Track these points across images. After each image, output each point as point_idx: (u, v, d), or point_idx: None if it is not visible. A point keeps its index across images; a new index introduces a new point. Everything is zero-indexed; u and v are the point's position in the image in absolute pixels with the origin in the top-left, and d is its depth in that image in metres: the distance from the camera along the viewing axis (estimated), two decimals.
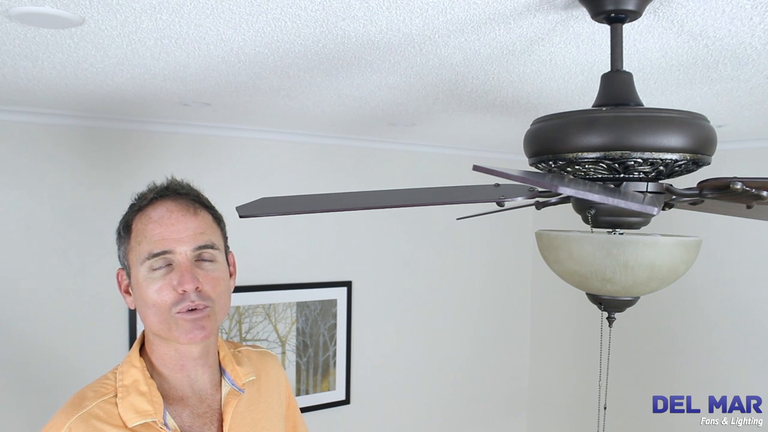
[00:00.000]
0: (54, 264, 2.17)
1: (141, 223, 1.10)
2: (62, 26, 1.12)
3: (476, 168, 0.69)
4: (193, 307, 1.06)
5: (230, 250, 1.22)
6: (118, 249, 1.14)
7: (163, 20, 1.10)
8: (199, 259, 1.09)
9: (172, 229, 1.07)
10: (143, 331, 1.16)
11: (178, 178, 1.18)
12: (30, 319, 2.14)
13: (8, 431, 2.10)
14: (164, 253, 1.06)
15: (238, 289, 2.49)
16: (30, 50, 1.31)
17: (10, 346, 2.11)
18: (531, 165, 1.05)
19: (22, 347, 2.13)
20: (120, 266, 1.15)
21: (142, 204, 1.12)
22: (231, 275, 1.19)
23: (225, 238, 1.20)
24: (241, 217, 1.10)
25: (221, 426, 1.13)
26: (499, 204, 1.09)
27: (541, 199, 1.16)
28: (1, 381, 2.10)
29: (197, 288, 1.06)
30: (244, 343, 1.34)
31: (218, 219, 1.18)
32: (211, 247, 1.11)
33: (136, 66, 1.44)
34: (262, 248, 2.58)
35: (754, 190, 0.78)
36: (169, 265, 1.07)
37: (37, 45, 1.27)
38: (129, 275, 1.12)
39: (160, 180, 1.16)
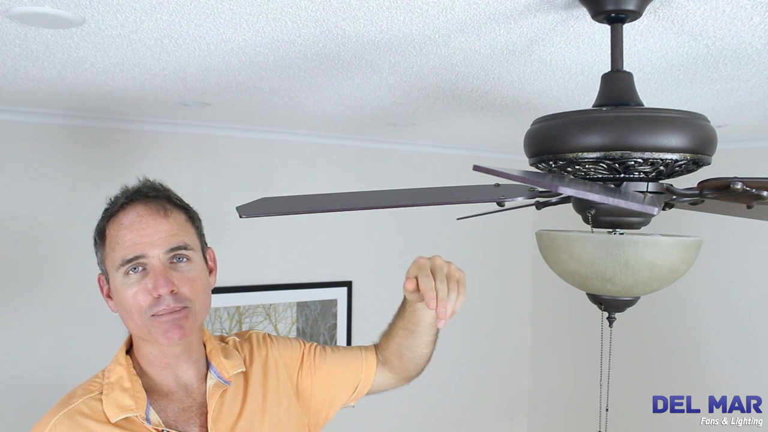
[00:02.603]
0: (53, 264, 2.17)
1: (113, 229, 1.10)
2: (62, 26, 1.12)
3: (476, 168, 0.69)
4: (170, 311, 1.07)
5: (209, 246, 1.21)
6: (96, 255, 1.15)
7: (164, 20, 1.10)
8: (174, 261, 1.09)
9: (144, 234, 1.08)
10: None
11: (151, 177, 1.17)
12: (29, 318, 2.14)
13: (8, 430, 2.10)
14: (137, 258, 1.07)
15: (238, 289, 2.49)
16: (30, 50, 1.31)
17: (10, 347, 2.11)
18: (531, 165, 1.05)
19: (22, 346, 2.13)
20: (99, 272, 1.16)
21: (113, 209, 1.12)
22: (211, 272, 1.19)
23: (201, 236, 1.19)
24: (241, 217, 1.10)
25: (206, 418, 1.13)
26: (499, 204, 1.09)
27: (541, 199, 1.16)
28: (1, 380, 2.09)
29: (172, 291, 1.07)
30: (230, 334, 1.33)
31: (192, 217, 1.17)
32: (185, 248, 1.10)
33: (136, 66, 1.44)
34: (262, 248, 2.58)
35: (754, 190, 0.78)
36: (144, 269, 1.07)
37: (37, 45, 1.26)
38: (108, 280, 1.13)
39: (158, 177, 1.17)
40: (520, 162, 3.33)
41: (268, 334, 1.35)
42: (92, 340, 2.23)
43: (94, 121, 2.20)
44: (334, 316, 2.77)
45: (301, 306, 2.67)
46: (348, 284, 2.80)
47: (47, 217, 2.16)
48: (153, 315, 1.06)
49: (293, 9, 1.04)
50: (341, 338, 2.78)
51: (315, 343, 1.38)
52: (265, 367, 1.28)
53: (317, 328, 2.72)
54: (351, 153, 2.80)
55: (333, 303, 2.76)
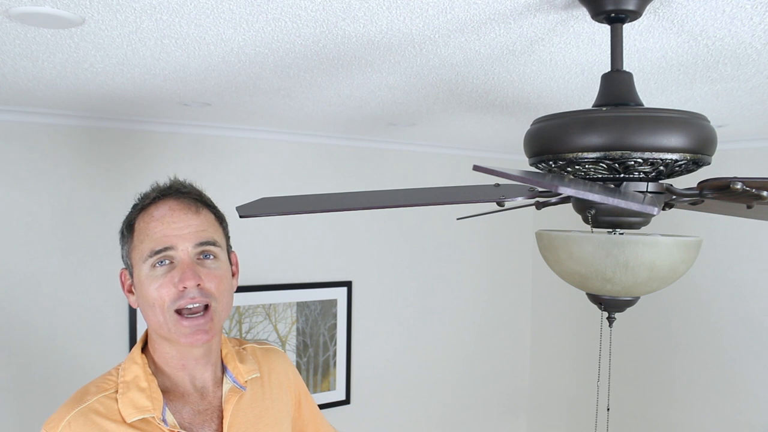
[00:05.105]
0: (54, 264, 2.17)
1: (143, 221, 1.10)
2: (62, 26, 1.12)
3: (476, 168, 0.69)
4: (193, 305, 1.06)
5: (233, 250, 1.22)
6: (121, 248, 1.15)
7: (163, 20, 1.10)
8: (201, 257, 1.10)
9: (174, 227, 1.08)
10: (147, 329, 1.17)
11: (181, 178, 1.18)
12: (30, 318, 2.14)
13: (9, 430, 2.10)
14: (166, 249, 1.07)
15: (238, 289, 2.49)
16: (30, 50, 1.31)
17: (11, 346, 2.11)
18: (531, 165, 1.05)
19: (23, 346, 2.13)
20: (123, 266, 1.16)
21: (144, 203, 1.13)
22: (234, 275, 1.20)
23: (227, 238, 1.20)
24: (241, 217, 1.10)
25: (222, 423, 1.13)
26: (499, 204, 1.09)
27: (541, 199, 1.16)
28: (1, 380, 2.10)
29: (198, 284, 1.06)
30: (249, 340, 1.34)
31: (220, 218, 1.19)
32: (213, 244, 1.11)
33: (136, 66, 1.44)
34: (262, 248, 2.58)
35: (754, 190, 0.78)
36: (171, 262, 1.07)
37: (37, 45, 1.27)
38: (132, 274, 1.12)
39: (161, 180, 1.17)
40: (520, 162, 3.33)
41: (286, 356, 1.38)
42: (92, 339, 2.23)
43: (93, 121, 2.20)
44: (334, 316, 2.77)
45: (301, 306, 2.67)
46: (348, 284, 2.80)
47: (47, 217, 2.16)
48: (176, 312, 1.06)
49: (293, 9, 1.04)
50: (341, 338, 2.78)
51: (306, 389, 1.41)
52: (286, 387, 1.30)
53: (317, 328, 2.72)
54: (351, 153, 2.80)
55: (333, 303, 2.76)
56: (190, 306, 1.07)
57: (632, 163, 0.91)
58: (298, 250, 2.68)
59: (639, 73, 1.44)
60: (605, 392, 2.96)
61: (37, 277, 2.15)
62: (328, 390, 2.76)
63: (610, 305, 1.02)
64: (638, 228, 1.03)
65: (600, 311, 1.06)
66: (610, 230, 1.02)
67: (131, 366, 1.11)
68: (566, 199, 1.13)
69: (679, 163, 0.92)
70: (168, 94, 1.77)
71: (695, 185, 0.93)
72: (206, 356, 1.15)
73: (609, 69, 1.03)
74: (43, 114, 2.10)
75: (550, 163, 0.98)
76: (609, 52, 1.29)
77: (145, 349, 1.16)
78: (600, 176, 0.96)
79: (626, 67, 1.38)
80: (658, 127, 0.89)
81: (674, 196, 0.97)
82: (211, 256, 1.11)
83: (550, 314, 3.37)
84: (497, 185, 1.09)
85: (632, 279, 0.94)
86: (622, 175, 0.95)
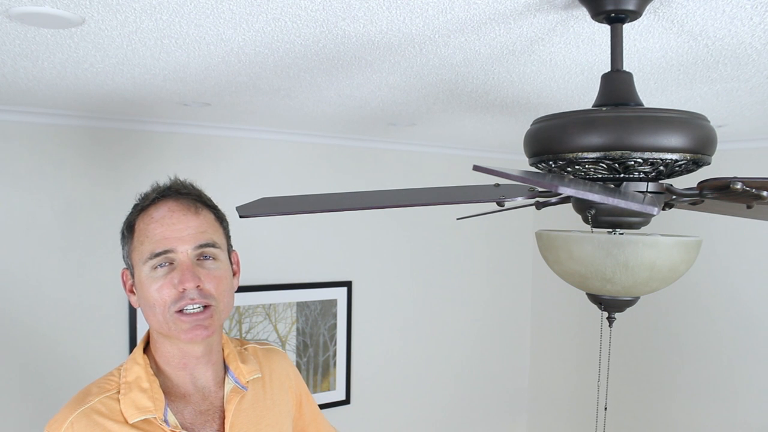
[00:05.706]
0: (54, 264, 2.17)
1: (143, 223, 1.11)
2: (62, 26, 1.12)
3: (476, 168, 0.69)
4: (193, 305, 1.07)
5: (234, 249, 1.23)
6: (122, 249, 1.16)
7: (163, 20, 1.10)
8: (201, 258, 1.10)
9: (174, 229, 1.08)
10: (148, 329, 1.17)
11: (181, 178, 1.19)
12: (30, 318, 2.14)
13: (10, 429, 2.10)
14: (166, 252, 1.07)
15: (239, 289, 2.49)
16: (30, 50, 1.31)
17: (11, 346, 2.11)
18: (531, 165, 1.05)
19: (23, 347, 2.13)
20: (124, 266, 1.16)
21: (144, 204, 1.13)
22: (234, 274, 1.20)
23: (228, 237, 1.21)
24: (241, 217, 1.11)
25: (223, 423, 1.13)
26: (499, 204, 1.09)
27: (541, 199, 1.16)
28: (2, 380, 2.10)
29: (198, 286, 1.07)
30: (251, 340, 1.34)
31: (221, 218, 1.19)
32: (213, 245, 1.12)
33: (136, 66, 1.44)
34: (262, 248, 2.58)
35: (754, 190, 0.78)
36: (171, 264, 1.08)
37: (37, 45, 1.27)
38: (133, 275, 1.13)
39: (162, 180, 1.18)
40: (520, 162, 3.33)
41: (287, 357, 1.38)
42: (92, 339, 2.23)
43: (93, 121, 2.20)
44: (334, 316, 2.77)
45: (301, 306, 2.67)
46: (348, 284, 2.80)
47: (47, 217, 2.16)
48: (177, 311, 1.06)
49: (293, 9, 1.04)
50: (341, 338, 2.78)
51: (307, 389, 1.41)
52: (287, 388, 1.30)
53: (317, 328, 2.72)
54: (351, 153, 2.80)
55: (333, 303, 2.76)
56: (190, 307, 1.07)
57: (632, 163, 0.91)
58: (298, 250, 2.68)
59: (639, 73, 1.44)
60: (604, 392, 2.96)
61: (37, 277, 2.15)
62: (328, 390, 2.76)
63: (610, 305, 1.02)
64: (638, 228, 1.03)
65: (600, 311, 1.06)
66: (610, 230, 1.02)
67: (133, 366, 1.12)
68: (566, 199, 1.13)
69: (679, 163, 0.92)
70: (168, 94, 1.77)
71: (695, 185, 0.93)
72: (207, 355, 1.15)
73: (609, 69, 1.03)
74: (43, 114, 2.10)
75: (550, 163, 0.98)
76: (609, 52, 1.29)
77: (146, 349, 1.17)
78: (600, 176, 0.96)
79: (626, 67, 1.38)
80: (658, 127, 0.89)
81: (674, 196, 0.97)
82: (211, 258, 1.11)
83: (550, 314, 3.37)
84: (497, 185, 1.09)
85: (632, 279, 0.94)
86: (622, 175, 0.95)
